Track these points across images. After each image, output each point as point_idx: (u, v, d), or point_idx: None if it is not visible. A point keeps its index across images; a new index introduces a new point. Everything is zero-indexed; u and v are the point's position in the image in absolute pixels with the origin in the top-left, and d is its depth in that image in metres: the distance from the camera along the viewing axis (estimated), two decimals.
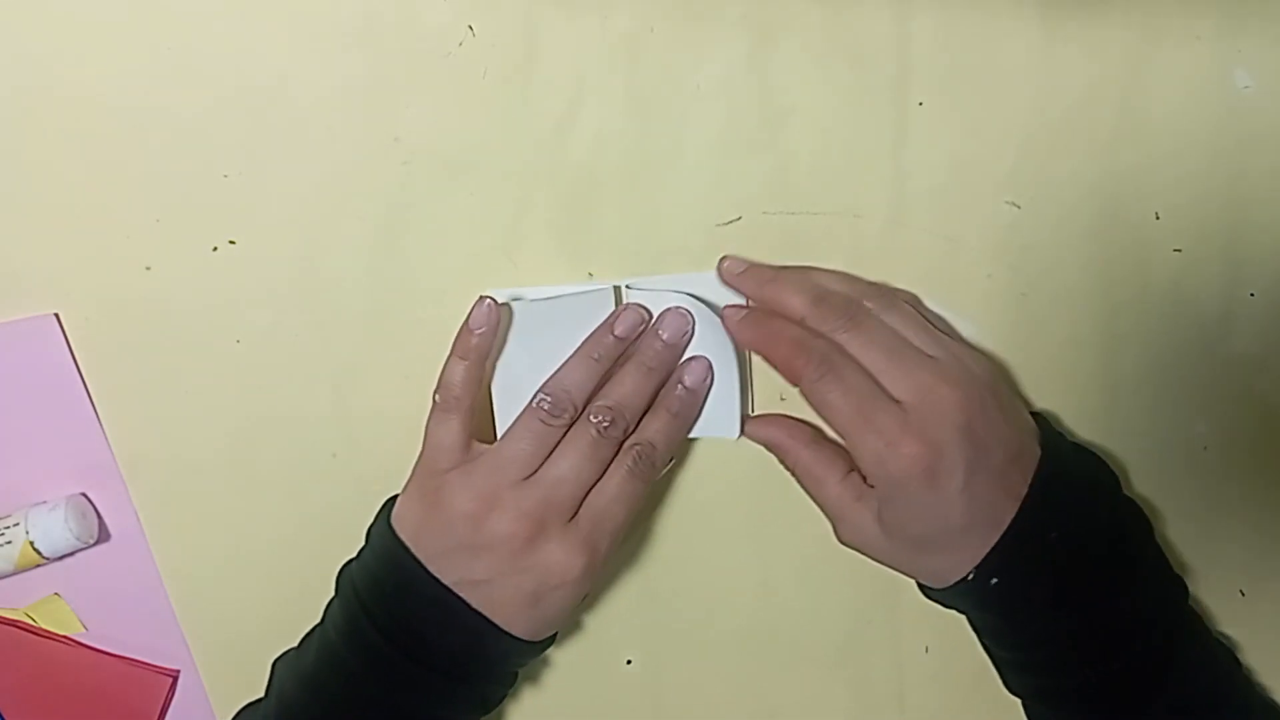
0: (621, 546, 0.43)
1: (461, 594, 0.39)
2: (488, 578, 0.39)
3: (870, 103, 0.42)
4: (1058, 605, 0.39)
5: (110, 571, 0.46)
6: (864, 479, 0.41)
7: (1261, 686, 0.45)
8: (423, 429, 0.41)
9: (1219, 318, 0.45)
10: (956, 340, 0.43)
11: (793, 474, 0.43)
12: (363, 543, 0.43)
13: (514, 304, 0.42)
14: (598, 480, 0.40)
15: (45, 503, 0.44)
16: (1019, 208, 0.44)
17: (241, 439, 0.44)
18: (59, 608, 0.46)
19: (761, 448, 0.45)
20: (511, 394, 0.42)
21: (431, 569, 0.39)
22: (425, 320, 0.43)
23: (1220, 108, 0.43)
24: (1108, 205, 0.44)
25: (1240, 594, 0.47)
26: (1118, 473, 0.43)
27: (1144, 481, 0.46)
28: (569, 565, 0.39)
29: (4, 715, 0.47)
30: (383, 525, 0.41)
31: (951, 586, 0.40)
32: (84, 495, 0.45)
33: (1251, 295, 0.44)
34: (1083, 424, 0.46)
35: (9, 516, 0.43)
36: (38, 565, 0.44)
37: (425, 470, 0.41)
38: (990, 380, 0.41)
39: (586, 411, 0.40)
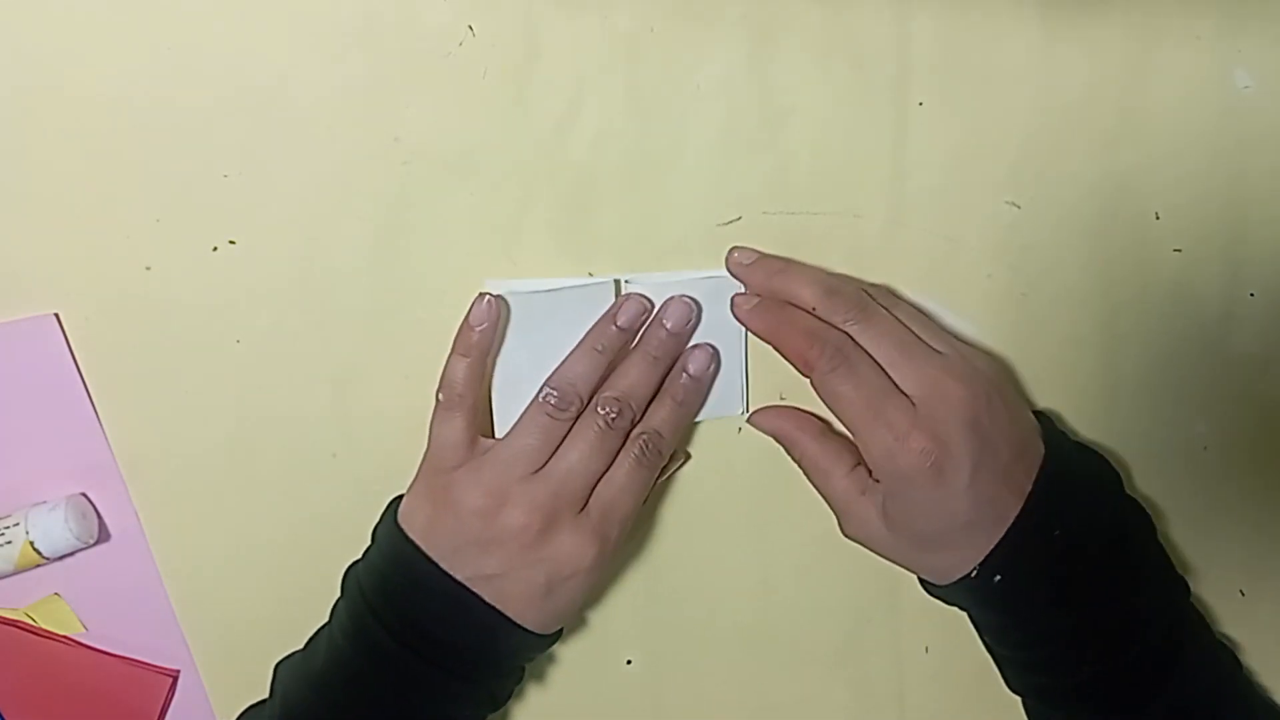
0: (622, 547, 0.43)
1: (475, 589, 0.39)
2: (500, 571, 0.39)
3: (870, 103, 0.42)
4: (1060, 603, 0.39)
5: (110, 571, 0.46)
6: (870, 473, 0.41)
7: (1261, 687, 0.45)
8: (423, 429, 0.42)
9: (1219, 318, 0.45)
10: (962, 338, 0.43)
11: (799, 466, 0.43)
12: (365, 544, 0.43)
13: (511, 296, 0.42)
14: (605, 470, 0.41)
15: (45, 503, 0.44)
16: (1019, 208, 0.44)
17: (241, 439, 0.44)
18: (59, 608, 0.46)
19: (761, 448, 0.45)
20: (511, 388, 0.42)
21: (444, 566, 0.39)
22: (425, 320, 0.43)
23: (1220, 108, 0.43)
24: (1108, 205, 0.44)
25: (1240, 594, 0.47)
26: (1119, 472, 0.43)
27: (1144, 481, 0.46)
28: (581, 555, 0.40)
29: (4, 715, 0.47)
30: (390, 525, 0.41)
31: (954, 583, 0.40)
32: (84, 495, 0.45)
33: (1251, 295, 0.44)
34: (1083, 424, 0.46)
35: (9, 516, 0.43)
36: (38, 565, 0.44)
37: (432, 469, 0.41)
38: (996, 378, 0.41)
39: (593, 403, 0.41)
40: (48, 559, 0.43)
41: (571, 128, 0.42)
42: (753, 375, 0.45)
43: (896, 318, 0.41)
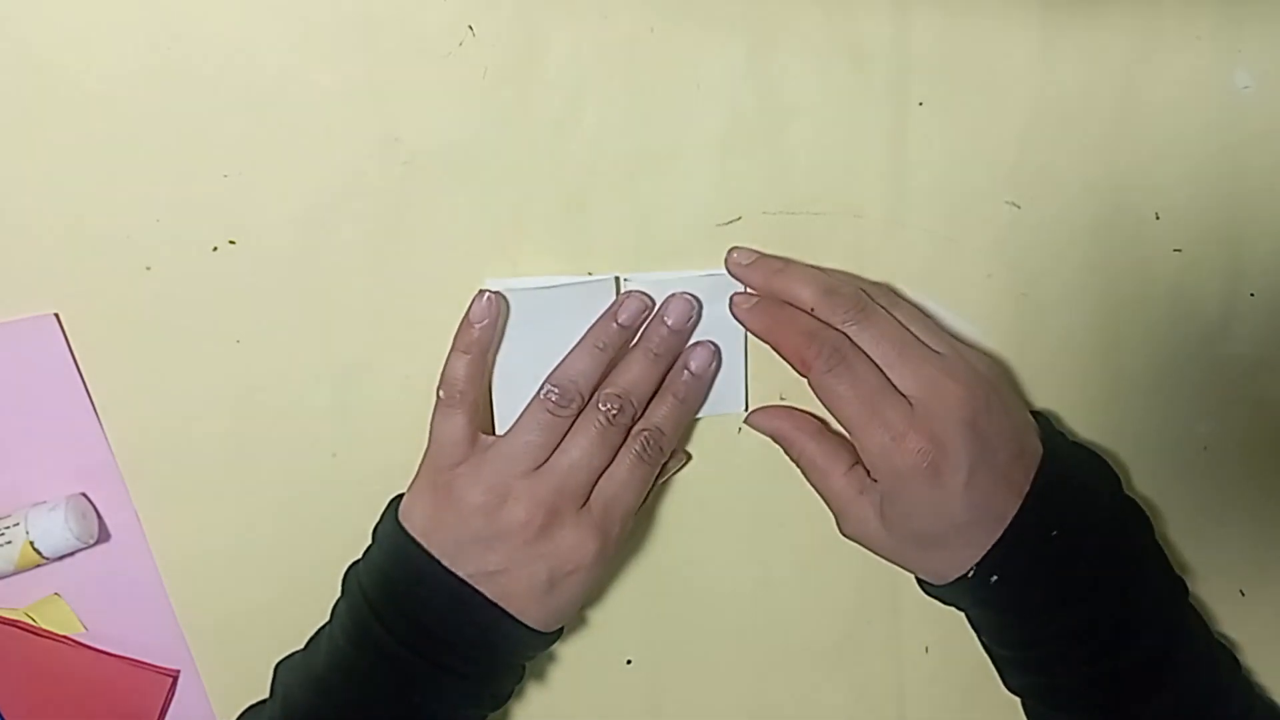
0: (623, 546, 0.43)
1: (477, 586, 0.39)
2: (503, 568, 0.39)
3: (870, 103, 0.42)
4: (1058, 603, 0.39)
5: (110, 571, 0.46)
6: (868, 473, 0.41)
7: (1261, 687, 0.45)
8: (423, 427, 0.42)
9: (1219, 318, 0.45)
10: (961, 338, 0.43)
11: (797, 465, 0.43)
12: (365, 543, 0.43)
13: (511, 294, 0.42)
14: (607, 466, 0.41)
15: (45, 503, 0.44)
16: (1019, 208, 0.44)
17: (241, 438, 0.44)
18: (59, 608, 0.46)
19: (760, 449, 0.45)
20: (512, 385, 0.42)
21: (446, 563, 0.39)
22: (425, 319, 0.43)
23: (1220, 108, 0.43)
24: (1108, 205, 0.44)
25: (1240, 594, 0.47)
26: (1118, 472, 0.43)
27: (1144, 481, 0.46)
28: (584, 550, 0.40)
29: (4, 715, 0.47)
30: (391, 524, 0.41)
31: (952, 583, 0.40)
32: (84, 495, 0.45)
33: (1251, 295, 0.44)
34: (1083, 424, 0.46)
35: (9, 516, 0.43)
36: (38, 565, 0.44)
37: (433, 466, 0.41)
38: (994, 378, 0.41)
39: (594, 399, 0.41)
40: (48, 559, 0.43)
41: (571, 128, 0.42)
42: (752, 374, 0.45)
43: (895, 318, 0.41)
